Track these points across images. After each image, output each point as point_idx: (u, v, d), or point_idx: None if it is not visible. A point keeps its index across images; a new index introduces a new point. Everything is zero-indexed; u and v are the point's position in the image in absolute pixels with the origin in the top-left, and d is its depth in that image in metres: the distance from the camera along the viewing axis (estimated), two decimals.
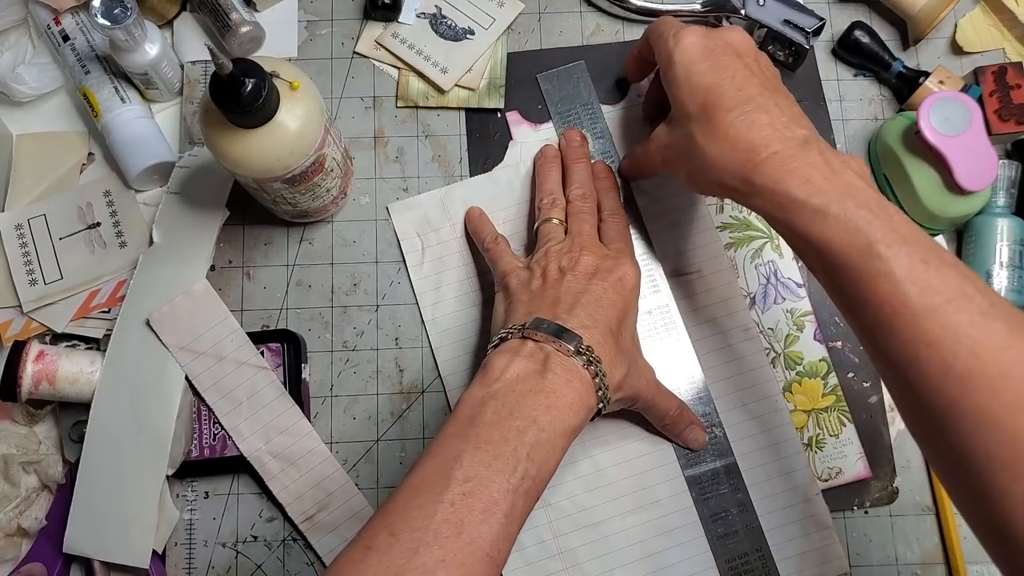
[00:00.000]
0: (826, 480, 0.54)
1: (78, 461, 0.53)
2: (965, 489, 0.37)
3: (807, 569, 0.53)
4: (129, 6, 0.52)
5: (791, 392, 0.55)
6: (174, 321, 0.54)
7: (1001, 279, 0.56)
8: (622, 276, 0.49)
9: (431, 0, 0.62)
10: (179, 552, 0.55)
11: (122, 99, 0.58)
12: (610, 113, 0.60)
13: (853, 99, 0.61)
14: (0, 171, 0.60)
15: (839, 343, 0.57)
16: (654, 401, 0.50)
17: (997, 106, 0.58)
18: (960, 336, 0.36)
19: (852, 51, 0.60)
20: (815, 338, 0.56)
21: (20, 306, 0.57)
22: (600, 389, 0.44)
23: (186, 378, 0.54)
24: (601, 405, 0.44)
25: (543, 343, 0.44)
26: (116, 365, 0.54)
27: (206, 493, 0.56)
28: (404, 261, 0.58)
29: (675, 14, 0.61)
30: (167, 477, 0.53)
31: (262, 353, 0.55)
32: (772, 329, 0.56)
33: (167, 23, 0.62)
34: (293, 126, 0.46)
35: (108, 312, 0.57)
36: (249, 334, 0.55)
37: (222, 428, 0.54)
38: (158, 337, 0.54)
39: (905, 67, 0.59)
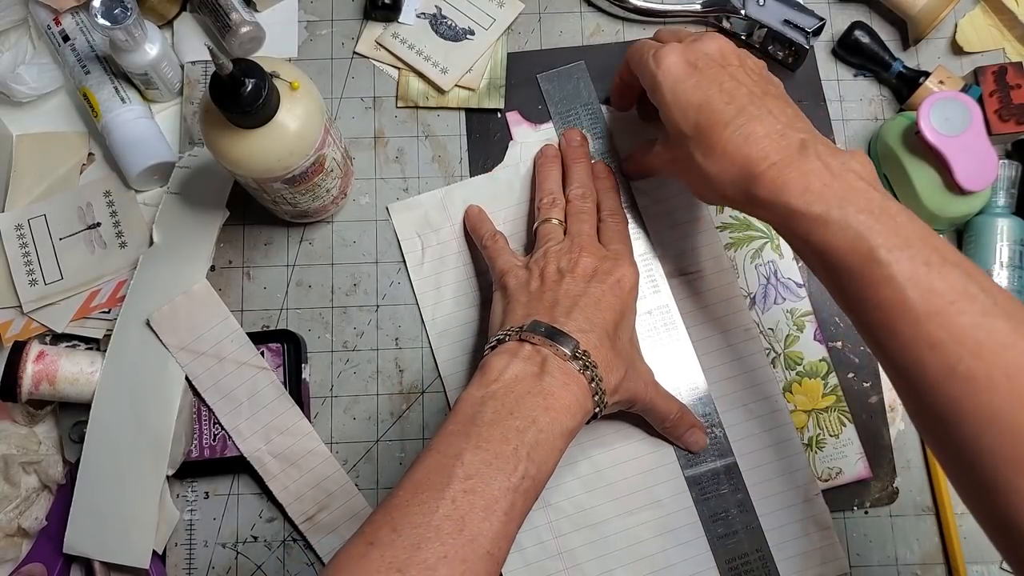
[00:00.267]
0: (826, 480, 0.54)
1: (78, 461, 0.53)
2: (971, 485, 0.37)
3: (807, 569, 0.53)
4: (129, 6, 0.52)
5: (791, 392, 0.55)
6: (174, 321, 0.54)
7: (1001, 279, 0.56)
8: (620, 278, 0.49)
9: (431, 0, 0.62)
10: (179, 552, 0.55)
11: (122, 99, 0.58)
12: (610, 113, 0.60)
13: (853, 99, 0.61)
14: (0, 171, 0.60)
15: (839, 343, 0.57)
16: (653, 404, 0.50)
17: (997, 106, 0.58)
18: (963, 338, 0.36)
19: (852, 51, 0.60)
20: (815, 338, 0.56)
21: (20, 306, 0.57)
22: (596, 393, 0.44)
23: (186, 378, 0.54)
24: (597, 409, 0.45)
25: (540, 346, 0.44)
26: (116, 365, 0.54)
27: (206, 493, 0.55)
28: (404, 261, 0.58)
29: (675, 14, 0.61)
30: (167, 477, 0.53)
31: (262, 353, 0.55)
32: (772, 329, 0.56)
33: (167, 23, 0.62)
34: (293, 126, 0.46)
35: (108, 312, 0.57)
36: (249, 334, 0.55)
37: (222, 428, 0.54)
38: (158, 337, 0.54)
39: (905, 67, 0.59)
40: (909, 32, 0.61)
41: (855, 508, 0.55)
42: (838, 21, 0.62)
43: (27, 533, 0.54)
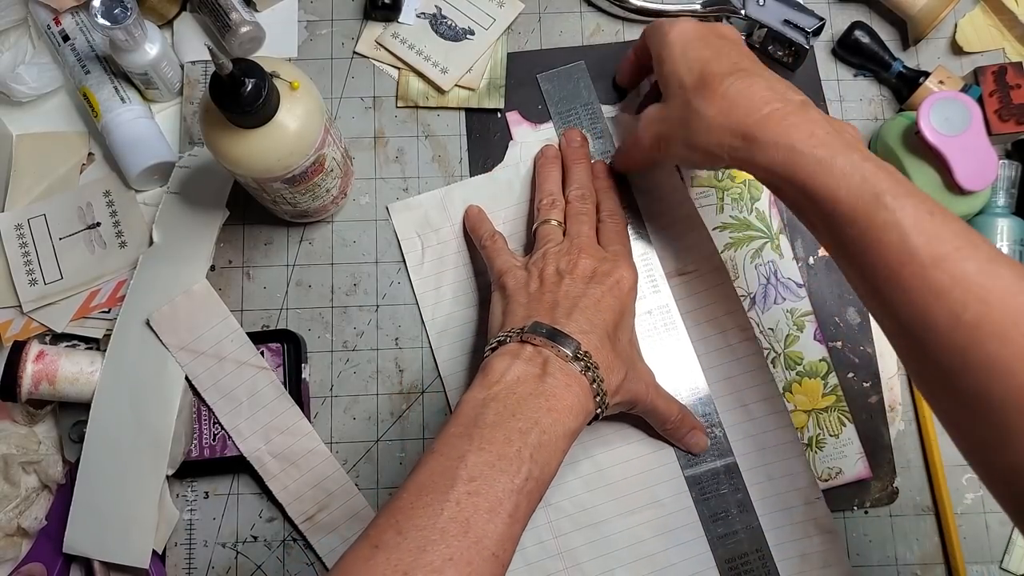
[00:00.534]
0: (826, 480, 0.54)
1: (78, 461, 0.53)
2: (979, 439, 0.37)
3: (807, 570, 0.53)
4: (129, 6, 0.52)
5: (791, 392, 0.56)
6: (174, 321, 0.54)
7: None
8: (619, 279, 0.49)
9: (431, 0, 0.62)
10: (179, 552, 0.55)
11: (122, 99, 0.58)
12: (610, 113, 0.60)
13: (853, 99, 0.61)
14: (0, 171, 0.60)
15: (839, 343, 0.57)
16: (654, 405, 0.50)
17: (997, 106, 0.58)
18: (969, 284, 0.36)
19: (852, 51, 0.60)
20: (815, 338, 0.56)
21: (20, 306, 0.57)
22: (598, 394, 0.44)
23: (186, 378, 0.54)
24: (599, 410, 0.45)
25: (541, 347, 0.44)
26: (116, 365, 0.54)
27: (206, 493, 0.55)
28: (404, 261, 0.58)
29: (675, 14, 0.61)
30: (167, 477, 0.53)
31: (262, 353, 0.55)
32: (772, 329, 0.56)
33: (167, 23, 0.62)
34: (293, 126, 0.46)
35: (108, 312, 0.57)
36: (249, 334, 0.55)
37: (222, 428, 0.54)
38: (158, 337, 0.54)
39: (905, 67, 0.59)
40: (909, 32, 0.61)
41: (855, 508, 0.55)
42: (838, 21, 0.62)
43: (27, 533, 0.54)
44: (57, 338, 0.57)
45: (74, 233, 0.59)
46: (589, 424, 0.45)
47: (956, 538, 0.54)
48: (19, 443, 0.55)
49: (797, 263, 0.58)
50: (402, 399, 0.57)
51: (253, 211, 0.59)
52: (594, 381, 0.44)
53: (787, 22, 0.58)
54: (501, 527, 0.38)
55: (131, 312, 0.55)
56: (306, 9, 0.63)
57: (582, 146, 0.58)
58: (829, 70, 0.62)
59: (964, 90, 0.57)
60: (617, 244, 0.52)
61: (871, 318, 0.56)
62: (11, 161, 0.60)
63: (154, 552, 0.53)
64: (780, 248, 0.58)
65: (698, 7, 0.61)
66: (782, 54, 0.60)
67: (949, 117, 0.53)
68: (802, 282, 0.57)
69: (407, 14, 0.61)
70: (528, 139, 0.60)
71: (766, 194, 0.59)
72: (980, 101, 0.57)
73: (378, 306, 0.58)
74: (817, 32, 0.58)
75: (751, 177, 0.52)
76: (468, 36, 0.61)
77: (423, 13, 0.62)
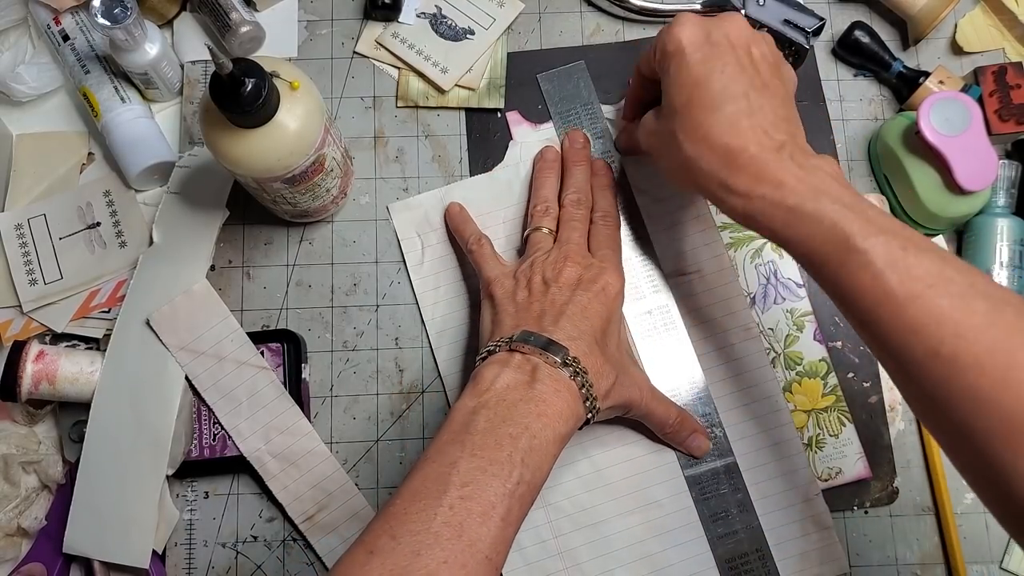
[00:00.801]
0: (826, 480, 0.54)
1: (78, 461, 0.53)
2: (969, 464, 0.38)
3: (807, 569, 0.53)
4: (129, 6, 0.52)
5: (791, 392, 0.56)
6: (174, 321, 0.54)
7: (1001, 279, 0.56)
8: (604, 286, 0.49)
9: (431, 0, 0.62)
10: (179, 552, 0.55)
11: (122, 99, 0.58)
12: (610, 113, 0.60)
13: (853, 99, 0.61)
14: (0, 171, 0.60)
15: (839, 343, 0.57)
16: (649, 409, 0.50)
17: (997, 106, 0.58)
18: (943, 320, 0.36)
19: (852, 51, 0.60)
20: (815, 338, 0.56)
21: (20, 306, 0.57)
22: (588, 399, 0.45)
23: (186, 378, 0.54)
24: (590, 415, 0.45)
25: (530, 355, 0.45)
26: (116, 365, 0.54)
27: (206, 493, 0.55)
28: (404, 261, 0.58)
29: (675, 15, 0.61)
30: (167, 477, 0.53)
31: (262, 353, 0.55)
32: (772, 329, 0.56)
33: (167, 23, 0.62)
34: (293, 126, 0.46)
35: (108, 312, 0.57)
36: (249, 334, 0.55)
37: (222, 428, 0.54)
38: (158, 337, 0.54)
39: (905, 67, 0.59)
40: (909, 32, 0.61)
41: (855, 508, 0.55)
42: (838, 21, 0.62)
43: (27, 533, 0.54)
44: (57, 338, 0.57)
45: (74, 233, 0.59)
46: (580, 428, 0.45)
47: (956, 538, 0.54)
48: (19, 443, 0.55)
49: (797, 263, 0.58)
50: (402, 399, 0.57)
51: (253, 211, 0.59)
52: (583, 386, 0.44)
53: (787, 22, 0.58)
54: (494, 530, 0.39)
55: (131, 312, 0.55)
56: (306, 9, 0.63)
57: (584, 148, 0.58)
58: (829, 70, 0.62)
59: (964, 90, 0.57)
60: (606, 249, 0.52)
61: None
62: (11, 161, 0.60)
63: (154, 552, 0.53)
64: (780, 248, 0.58)
65: (698, 7, 0.61)
66: (782, 54, 0.60)
67: (949, 117, 0.53)
68: (802, 282, 0.57)
69: (407, 14, 0.61)
70: (528, 139, 0.60)
71: None
72: (980, 101, 0.57)
73: (378, 306, 0.58)
74: (817, 32, 0.58)
75: None
76: (468, 36, 0.61)
77: (423, 13, 0.62)
